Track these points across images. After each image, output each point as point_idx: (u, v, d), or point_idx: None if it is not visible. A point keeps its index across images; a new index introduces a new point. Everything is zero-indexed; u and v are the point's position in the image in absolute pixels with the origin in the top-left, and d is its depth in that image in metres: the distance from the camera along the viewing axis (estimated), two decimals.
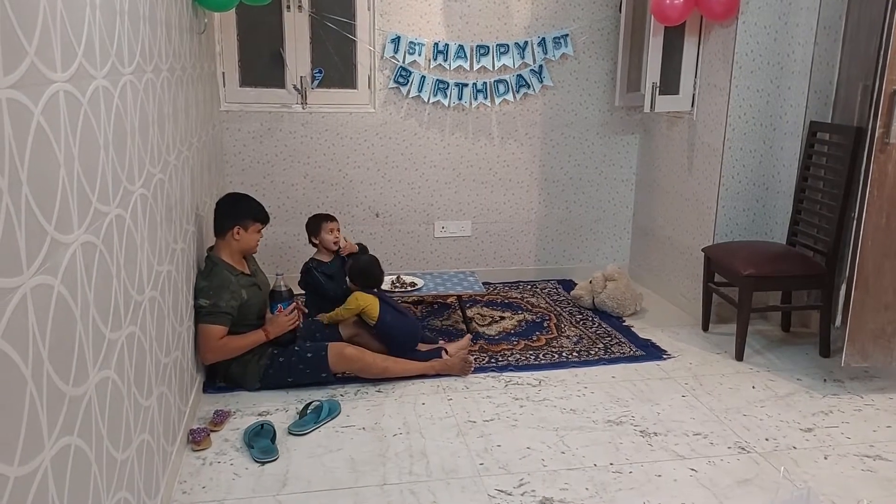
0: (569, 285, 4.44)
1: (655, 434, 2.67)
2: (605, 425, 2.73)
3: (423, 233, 4.41)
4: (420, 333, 3.25)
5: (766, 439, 2.65)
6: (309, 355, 2.89)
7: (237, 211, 2.95)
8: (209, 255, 2.93)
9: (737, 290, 3.38)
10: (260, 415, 2.76)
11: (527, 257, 4.57)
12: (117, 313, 1.68)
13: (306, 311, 3.45)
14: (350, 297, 3.18)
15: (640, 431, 2.68)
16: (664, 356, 3.38)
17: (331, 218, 3.54)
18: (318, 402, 2.76)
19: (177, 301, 2.43)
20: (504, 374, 3.16)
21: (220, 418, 2.66)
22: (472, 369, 3.13)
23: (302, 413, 2.73)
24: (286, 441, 2.57)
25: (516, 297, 4.20)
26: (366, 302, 3.14)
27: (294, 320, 2.95)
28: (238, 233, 2.92)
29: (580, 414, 2.81)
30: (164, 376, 2.20)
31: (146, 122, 2.10)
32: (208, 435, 2.55)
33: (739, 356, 3.34)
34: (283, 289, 2.98)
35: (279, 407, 2.82)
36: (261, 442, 2.49)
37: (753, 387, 3.08)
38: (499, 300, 4.14)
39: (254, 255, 3.11)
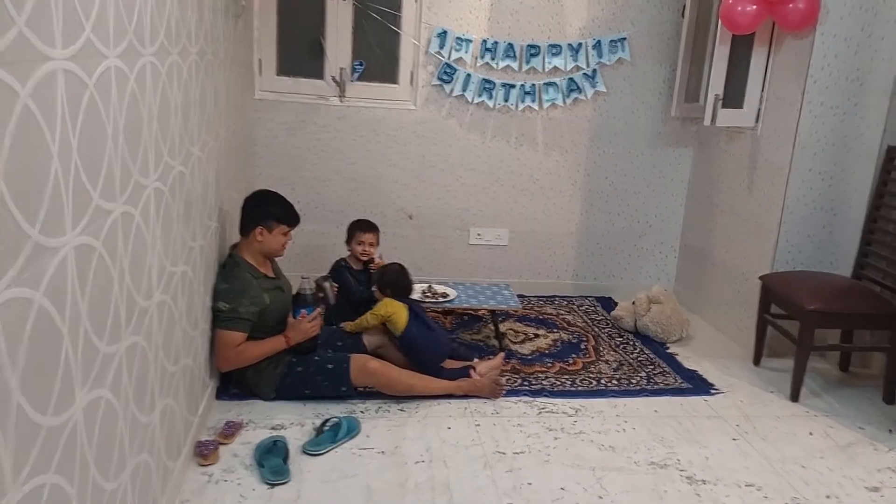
0: (607, 304, 4.18)
1: (704, 482, 2.41)
2: (647, 468, 2.48)
3: (457, 239, 4.19)
4: (448, 350, 3.03)
5: (828, 497, 2.37)
6: (329, 366, 2.70)
7: (262, 211, 2.77)
8: (232, 254, 2.75)
9: (794, 323, 3.11)
10: (273, 428, 2.57)
11: (564, 271, 4.32)
12: (116, 323, 1.50)
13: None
14: (379, 303, 2.98)
15: (687, 478, 2.43)
16: (712, 391, 3.11)
17: (368, 228, 3.35)
18: (336, 419, 2.56)
19: (192, 304, 2.25)
20: (537, 399, 2.93)
21: (230, 430, 2.48)
22: (504, 392, 2.90)
23: (319, 430, 2.53)
24: (299, 461, 2.37)
25: (552, 314, 3.96)
26: (394, 309, 2.94)
27: (316, 326, 2.76)
28: (261, 234, 2.73)
29: (620, 453, 2.56)
30: (171, 387, 2.02)
31: (167, 108, 1.91)
32: (216, 448, 2.37)
33: (795, 397, 3.06)
34: (309, 293, 2.79)
35: (294, 421, 2.63)
36: (272, 461, 2.30)
37: (811, 433, 2.79)
38: (533, 315, 3.90)
39: (277, 257, 2.91)
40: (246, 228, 2.76)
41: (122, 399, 1.55)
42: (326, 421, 2.57)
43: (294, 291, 2.88)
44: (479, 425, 2.69)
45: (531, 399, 2.93)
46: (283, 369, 2.70)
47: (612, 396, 2.99)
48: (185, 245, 2.15)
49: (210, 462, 2.31)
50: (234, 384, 2.80)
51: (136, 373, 1.65)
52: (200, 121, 2.33)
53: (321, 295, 2.91)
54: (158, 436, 1.89)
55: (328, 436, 2.49)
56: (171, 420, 2.04)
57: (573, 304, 4.17)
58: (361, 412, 2.72)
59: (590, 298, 4.26)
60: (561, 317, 3.93)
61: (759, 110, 3.60)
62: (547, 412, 2.83)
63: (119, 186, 1.50)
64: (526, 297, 4.18)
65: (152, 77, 1.76)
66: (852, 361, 3.44)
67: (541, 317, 3.90)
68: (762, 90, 3.57)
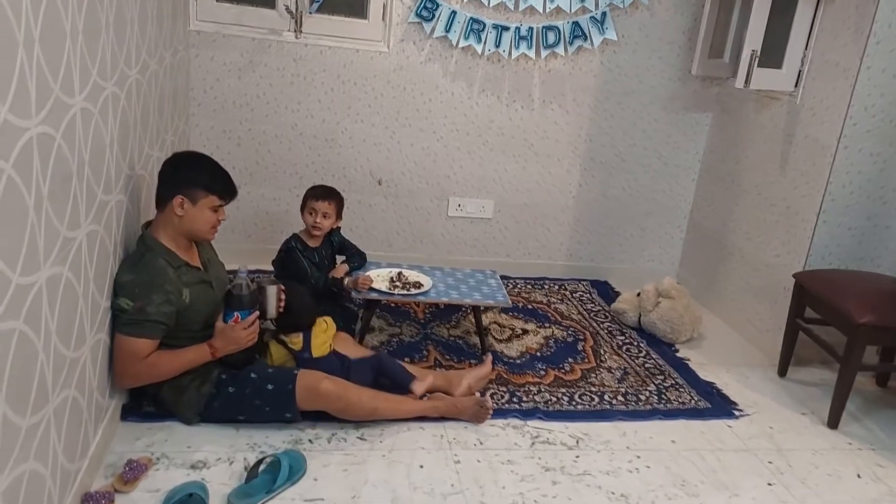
0: (603, 289, 3.64)
1: None
2: None
3: (435, 210, 3.57)
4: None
5: None
6: (269, 387, 2.09)
7: (184, 176, 2.09)
8: (143, 235, 2.09)
9: (831, 329, 2.61)
10: (193, 467, 1.98)
11: (556, 251, 3.75)
12: None
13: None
14: (269, 345, 2.35)
15: None
16: (735, 411, 2.61)
17: (322, 195, 2.69)
18: (273, 457, 1.98)
19: (69, 315, 1.61)
20: (529, 422, 2.38)
21: (132, 473, 1.87)
22: (490, 415, 2.34)
23: (251, 472, 1.94)
24: None
25: (542, 303, 3.39)
26: (280, 358, 2.33)
27: (253, 335, 2.15)
28: (181, 206, 2.07)
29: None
30: (34, 439, 1.40)
31: (53, 31, 1.24)
32: (111, 502, 1.77)
33: (834, 423, 2.57)
34: (245, 291, 2.15)
35: (222, 455, 2.04)
36: None
37: (859, 475, 2.31)
38: (520, 304, 3.33)
39: (205, 240, 2.25)
40: (162, 199, 2.10)
41: None
42: (261, 461, 1.98)
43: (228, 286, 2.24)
44: (458, 462, 2.14)
45: (522, 422, 2.38)
46: (210, 389, 2.09)
47: (620, 419, 2.46)
48: (59, 237, 1.50)
49: None
50: (148, 400, 2.18)
51: None
52: (87, 56, 1.65)
53: (259, 301, 2.22)
54: None
55: (263, 481, 1.91)
56: (36, 483, 1.42)
57: (565, 289, 3.60)
58: (310, 441, 2.14)
59: (584, 283, 3.70)
60: (553, 306, 3.36)
61: (799, 72, 3.01)
62: (542, 442, 2.28)
63: None
64: (511, 279, 3.60)
65: None
66: (892, 375, 2.96)
67: (529, 306, 3.33)
68: (805, 48, 2.98)
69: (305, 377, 2.11)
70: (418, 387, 2.30)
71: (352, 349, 2.46)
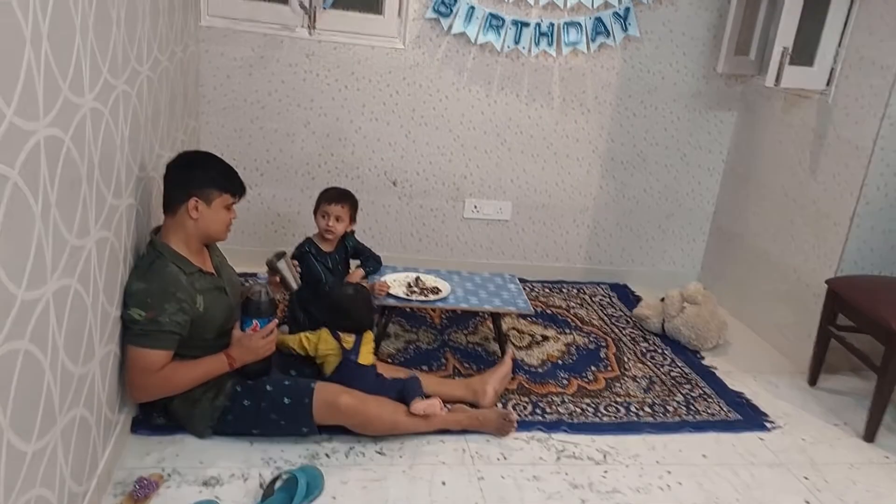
0: (623, 293, 3.54)
1: None
2: None
3: (450, 211, 3.47)
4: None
5: None
6: (286, 401, 2.00)
7: (196, 176, 2.01)
8: (152, 241, 2.00)
9: (864, 337, 2.51)
10: (206, 483, 1.89)
11: (575, 254, 3.65)
12: None
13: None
14: (316, 333, 2.25)
15: None
16: (766, 423, 2.51)
17: (335, 198, 2.59)
18: (290, 474, 1.89)
19: (78, 329, 1.52)
20: (554, 435, 2.29)
21: (143, 491, 1.79)
22: (514, 429, 2.24)
23: (267, 490, 1.86)
24: None
25: (561, 307, 3.30)
26: (328, 349, 2.23)
27: (271, 344, 2.06)
28: (196, 208, 1.98)
29: None
30: (40, 464, 1.32)
31: (69, 27, 1.15)
32: None
33: (870, 436, 2.47)
34: (264, 298, 2.06)
35: (235, 471, 1.95)
36: None
37: None
38: (539, 308, 3.23)
39: (219, 241, 2.16)
40: (173, 202, 2.00)
41: None
42: (277, 477, 1.89)
43: (244, 294, 2.16)
44: (482, 479, 2.04)
45: (546, 435, 2.28)
46: (224, 402, 2.00)
47: (648, 432, 2.36)
48: (67, 246, 1.41)
49: None
50: (159, 412, 2.10)
51: None
52: (97, 53, 1.55)
53: (277, 279, 2.15)
54: None
55: (279, 499, 1.82)
56: None
57: (584, 293, 3.51)
58: (327, 456, 2.05)
59: (603, 286, 3.60)
60: (573, 311, 3.27)
61: (832, 70, 2.90)
62: (568, 456, 2.19)
63: None
64: (529, 282, 3.50)
65: None
66: None
67: (548, 311, 3.24)
68: (839, 44, 2.87)
69: (323, 391, 2.02)
70: (417, 406, 2.14)
71: (384, 367, 2.37)
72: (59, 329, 1.40)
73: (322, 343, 2.22)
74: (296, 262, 2.35)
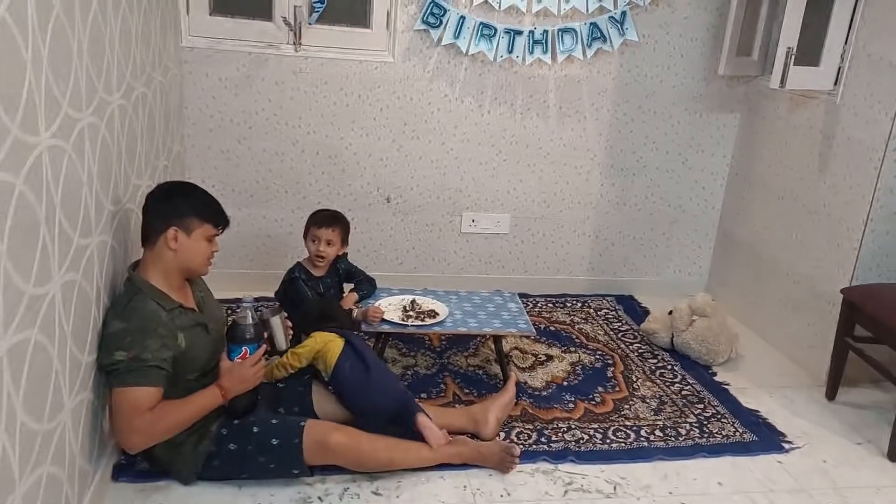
0: (629, 305, 3.42)
1: None
2: None
3: (447, 226, 3.36)
4: (397, 402, 2.12)
5: None
6: (274, 442, 1.89)
7: (176, 206, 1.90)
8: (130, 277, 1.89)
9: (882, 348, 2.39)
10: None
11: (578, 266, 3.53)
12: None
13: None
14: (306, 339, 2.19)
15: None
16: (784, 444, 2.38)
17: (324, 222, 2.50)
18: None
19: (40, 382, 1.41)
20: (560, 465, 2.17)
21: None
22: (517, 464, 2.12)
23: None
24: None
25: (565, 323, 3.18)
26: (326, 339, 2.16)
27: (261, 372, 1.96)
28: (175, 238, 1.88)
29: None
30: None
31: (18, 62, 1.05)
32: None
33: (894, 455, 2.34)
34: (251, 321, 1.95)
35: None
36: None
37: None
38: (542, 325, 3.12)
39: (201, 275, 2.06)
40: (152, 234, 1.90)
41: None
42: None
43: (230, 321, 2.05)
44: None
45: (553, 466, 2.16)
46: (209, 446, 1.89)
47: (660, 458, 2.24)
48: (20, 299, 1.30)
49: None
50: (142, 456, 1.99)
51: None
52: (85, 77, 1.45)
53: (266, 334, 2.04)
54: None
55: None
56: None
57: (589, 306, 3.39)
58: (320, 499, 1.94)
59: (608, 298, 3.49)
60: (577, 327, 3.15)
61: (839, 69, 2.78)
62: (576, 490, 2.07)
63: None
64: (531, 297, 3.39)
65: None
66: None
67: (552, 327, 3.12)
68: (845, 42, 2.75)
69: (314, 430, 1.91)
70: (426, 422, 2.05)
71: None
72: (16, 387, 1.29)
73: (316, 339, 2.17)
74: (289, 322, 2.19)
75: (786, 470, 2.25)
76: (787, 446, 2.37)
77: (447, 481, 2.06)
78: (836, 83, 2.79)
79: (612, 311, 3.36)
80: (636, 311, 3.35)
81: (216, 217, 1.97)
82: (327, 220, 2.50)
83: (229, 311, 2.93)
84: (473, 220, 3.36)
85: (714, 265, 3.61)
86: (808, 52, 2.80)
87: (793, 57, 2.74)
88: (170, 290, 1.91)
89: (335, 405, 2.13)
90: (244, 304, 1.95)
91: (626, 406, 2.54)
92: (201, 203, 1.96)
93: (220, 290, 2.82)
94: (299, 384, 2.16)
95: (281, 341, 2.07)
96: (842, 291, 2.59)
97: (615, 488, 2.09)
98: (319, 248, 2.48)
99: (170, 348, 1.82)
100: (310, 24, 2.94)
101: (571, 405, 2.51)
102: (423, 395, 2.47)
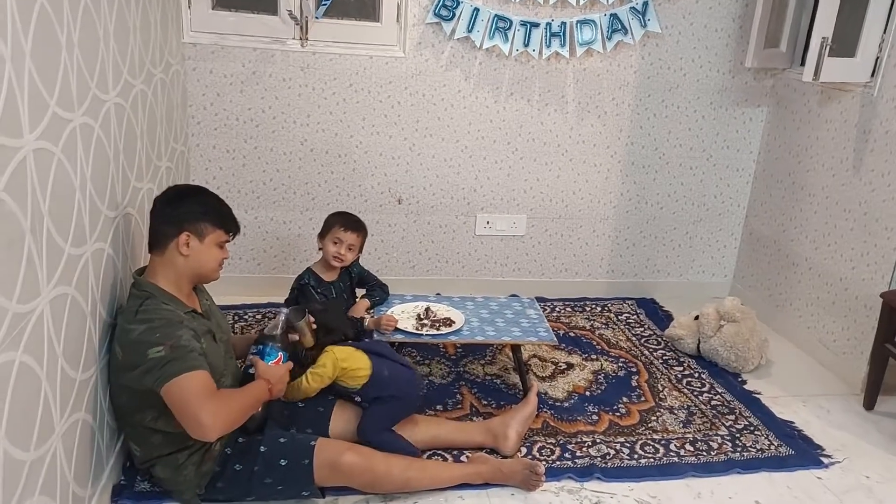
0: (651, 309, 3.28)
1: None
2: None
3: (461, 228, 3.23)
4: (421, 397, 2.12)
5: None
6: (283, 462, 1.77)
7: (188, 211, 1.79)
8: (137, 282, 1.78)
9: None
10: None
11: (597, 267, 3.39)
12: None
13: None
14: (322, 356, 2.02)
15: None
16: (823, 458, 2.24)
17: (352, 226, 2.38)
18: None
19: (27, 406, 1.30)
20: (587, 483, 2.04)
21: None
22: (542, 484, 1.99)
23: None
24: None
25: (585, 329, 3.05)
26: (344, 355, 2.01)
27: (285, 383, 1.87)
28: (187, 244, 1.77)
29: None
30: None
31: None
32: None
33: None
34: (279, 331, 1.91)
35: None
36: None
37: None
38: (561, 331, 2.99)
39: (211, 281, 1.93)
40: (162, 239, 1.79)
41: None
42: None
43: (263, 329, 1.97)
44: None
45: (578, 485, 2.04)
46: (213, 467, 1.78)
47: (692, 475, 2.11)
48: (3, 317, 1.18)
49: None
50: (143, 475, 1.88)
51: None
52: (42, 84, 1.33)
53: (296, 338, 1.96)
54: None
55: None
56: None
57: (609, 310, 3.25)
58: None
59: (629, 302, 3.35)
60: (598, 332, 3.01)
61: (877, 60, 2.63)
62: None
63: None
64: (548, 301, 3.26)
65: None
66: None
67: (571, 333, 2.99)
68: (884, 32, 2.60)
69: (325, 449, 1.78)
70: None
71: None
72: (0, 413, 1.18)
73: (336, 353, 2.01)
74: (313, 321, 2.09)
75: (826, 486, 2.11)
76: (825, 461, 2.23)
77: (466, 502, 1.93)
78: (873, 74, 2.64)
79: (633, 315, 3.22)
80: (658, 315, 3.21)
81: (229, 223, 1.88)
82: (355, 224, 2.40)
83: (235, 319, 2.83)
84: (488, 222, 3.23)
85: (739, 266, 3.46)
86: (844, 42, 2.65)
87: (828, 48, 2.59)
88: (180, 294, 1.81)
89: (354, 428, 1.99)
90: (280, 314, 1.95)
91: (654, 418, 2.40)
92: (214, 208, 1.86)
93: (227, 295, 2.73)
94: (320, 404, 2.02)
95: (309, 340, 2.01)
96: (882, 295, 2.44)
97: None
98: (340, 251, 2.36)
99: (198, 340, 1.71)
100: (317, 17, 2.82)
101: (595, 417, 2.38)
102: (438, 408, 2.35)
